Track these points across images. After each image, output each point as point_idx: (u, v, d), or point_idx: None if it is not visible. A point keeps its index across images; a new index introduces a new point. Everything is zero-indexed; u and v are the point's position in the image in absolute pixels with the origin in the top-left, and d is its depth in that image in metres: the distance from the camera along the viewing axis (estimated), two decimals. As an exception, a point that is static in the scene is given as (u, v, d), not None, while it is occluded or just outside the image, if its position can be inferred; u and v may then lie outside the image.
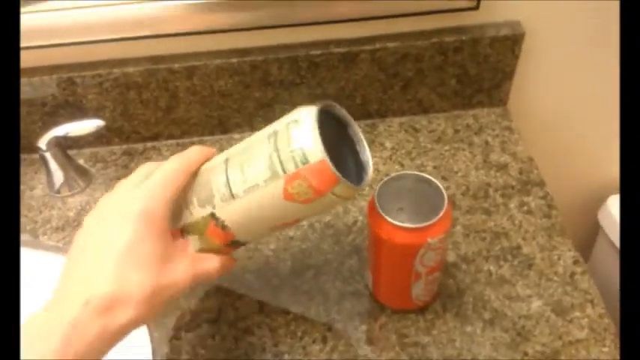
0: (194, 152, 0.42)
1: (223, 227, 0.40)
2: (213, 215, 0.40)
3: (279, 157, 0.37)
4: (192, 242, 0.42)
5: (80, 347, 0.34)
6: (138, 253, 0.37)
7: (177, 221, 0.42)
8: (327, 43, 0.60)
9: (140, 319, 0.36)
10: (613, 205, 0.79)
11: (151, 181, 0.39)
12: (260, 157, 0.38)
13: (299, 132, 0.36)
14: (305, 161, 0.36)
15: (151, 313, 0.37)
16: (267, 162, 0.37)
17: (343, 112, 0.41)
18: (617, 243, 0.79)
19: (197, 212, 0.41)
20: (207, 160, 0.43)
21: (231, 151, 0.41)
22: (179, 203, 0.41)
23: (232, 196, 0.39)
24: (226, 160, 0.40)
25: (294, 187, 0.37)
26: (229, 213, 0.40)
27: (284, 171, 0.37)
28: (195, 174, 0.42)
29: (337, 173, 0.36)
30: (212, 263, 0.42)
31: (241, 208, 0.39)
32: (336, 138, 0.38)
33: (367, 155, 0.41)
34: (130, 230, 0.37)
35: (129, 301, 0.36)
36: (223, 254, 0.43)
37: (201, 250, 0.42)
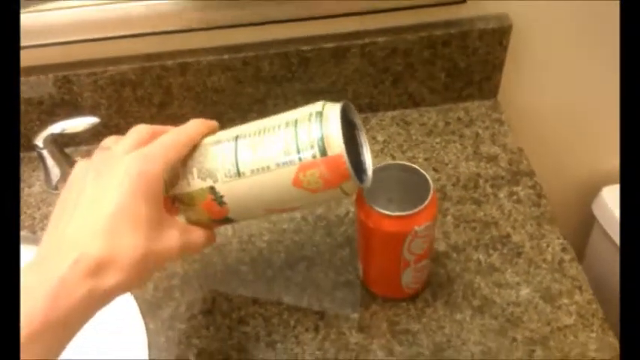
0: (196, 124, 0.42)
1: (220, 203, 0.41)
2: (212, 189, 0.40)
3: (297, 144, 0.38)
4: (182, 212, 0.42)
5: (66, 308, 0.33)
6: (132, 216, 0.36)
7: (169, 189, 0.42)
8: (317, 39, 0.61)
9: (127, 283, 0.36)
10: (607, 196, 0.80)
11: (152, 146, 0.39)
12: (276, 141, 0.39)
13: (322, 124, 0.38)
14: (323, 153, 0.38)
15: (138, 279, 0.36)
16: (284, 147, 0.38)
17: (356, 115, 0.42)
18: (613, 234, 0.79)
19: (196, 183, 0.41)
20: (210, 132, 0.43)
21: (243, 130, 0.41)
22: (175, 172, 0.41)
23: (238, 173, 0.39)
24: (236, 137, 0.40)
25: (305, 176, 0.38)
26: (231, 189, 0.40)
27: (300, 159, 0.38)
28: (196, 145, 0.41)
29: (350, 169, 0.38)
30: (199, 236, 0.41)
31: (245, 187, 0.40)
32: (345, 137, 0.39)
33: (368, 158, 0.43)
34: (126, 191, 0.36)
35: (119, 264, 0.35)
36: (208, 228, 0.43)
37: (189, 222, 0.42)
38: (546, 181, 0.63)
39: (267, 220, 0.58)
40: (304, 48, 0.61)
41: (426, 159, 0.63)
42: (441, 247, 0.54)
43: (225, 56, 0.61)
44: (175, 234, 0.39)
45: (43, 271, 0.34)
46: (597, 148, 0.79)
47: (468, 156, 0.62)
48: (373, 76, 0.64)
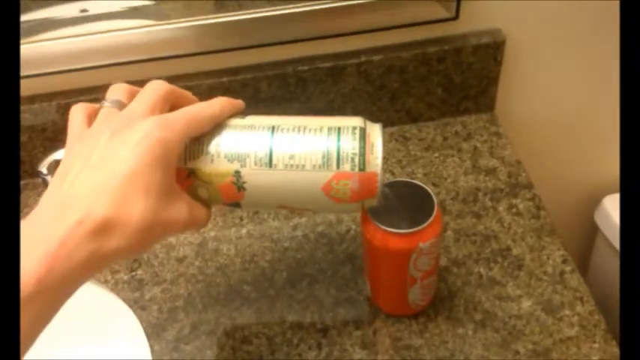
0: (223, 102, 0.41)
1: (240, 188, 0.40)
2: (237, 173, 0.40)
3: (338, 153, 0.39)
4: (194, 187, 0.41)
5: (63, 271, 0.31)
6: (144, 181, 0.34)
7: (186, 161, 0.40)
8: (313, 59, 0.62)
9: (131, 249, 0.34)
10: (609, 205, 0.80)
11: (175, 114, 0.37)
12: (316, 144, 0.39)
13: (365, 141, 0.39)
14: (362, 168, 0.39)
15: (141, 247, 0.35)
16: (324, 152, 0.39)
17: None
18: (616, 243, 0.79)
19: (220, 163, 0.40)
20: (236, 112, 0.42)
21: (279, 122, 0.41)
22: (199, 146, 0.40)
23: (270, 164, 0.39)
24: (273, 128, 0.40)
25: (337, 184, 0.39)
26: (255, 178, 0.40)
27: (338, 167, 0.39)
28: (222, 124, 0.41)
29: (379, 189, 0.39)
30: (202, 214, 0.40)
31: (271, 179, 0.40)
32: None
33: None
34: (142, 155, 0.34)
35: (125, 229, 0.33)
36: (208, 207, 0.41)
37: (195, 198, 0.40)
38: (547, 192, 0.63)
39: (269, 239, 0.59)
40: (301, 68, 0.62)
41: (425, 174, 0.63)
42: (442, 261, 0.55)
43: (224, 79, 0.62)
44: (184, 207, 0.38)
45: (42, 228, 0.32)
46: (597, 158, 0.79)
47: (466, 170, 0.63)
48: (371, 94, 0.65)
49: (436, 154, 0.65)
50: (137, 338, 0.52)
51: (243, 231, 0.60)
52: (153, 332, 0.52)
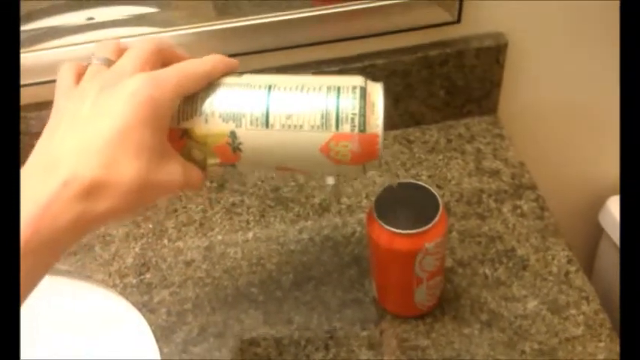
0: (216, 59, 0.39)
1: (235, 149, 0.39)
2: (233, 133, 0.38)
3: (337, 113, 0.37)
4: (188, 148, 0.39)
5: (50, 233, 0.30)
6: (134, 141, 0.33)
7: (179, 121, 0.39)
8: (317, 63, 0.63)
9: (121, 211, 0.33)
10: (613, 206, 0.80)
11: (166, 71, 0.36)
12: (315, 103, 0.38)
13: (365, 100, 0.38)
14: (362, 129, 0.37)
15: (132, 208, 0.34)
16: (322, 112, 0.37)
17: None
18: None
19: (215, 124, 0.38)
20: (230, 71, 0.40)
21: (276, 80, 0.39)
22: (192, 105, 0.38)
23: (267, 124, 0.38)
24: (269, 87, 0.39)
25: (337, 145, 0.38)
26: (251, 138, 0.38)
27: (337, 128, 0.37)
28: (216, 83, 0.39)
29: (381, 150, 0.38)
30: (197, 175, 0.39)
31: (268, 139, 0.38)
32: None
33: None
34: (131, 113, 0.33)
35: (114, 190, 0.32)
36: (203, 169, 0.40)
37: (189, 159, 0.39)
38: (552, 194, 0.64)
39: (276, 242, 0.59)
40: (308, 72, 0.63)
41: (429, 176, 0.64)
42: (448, 262, 0.55)
43: (229, 84, 0.63)
44: (178, 169, 0.36)
45: (28, 189, 0.31)
46: (600, 159, 0.80)
47: (470, 172, 0.63)
48: (374, 97, 0.66)
49: (440, 157, 0.66)
50: (146, 341, 0.52)
51: (250, 234, 0.60)
52: (162, 335, 0.53)
